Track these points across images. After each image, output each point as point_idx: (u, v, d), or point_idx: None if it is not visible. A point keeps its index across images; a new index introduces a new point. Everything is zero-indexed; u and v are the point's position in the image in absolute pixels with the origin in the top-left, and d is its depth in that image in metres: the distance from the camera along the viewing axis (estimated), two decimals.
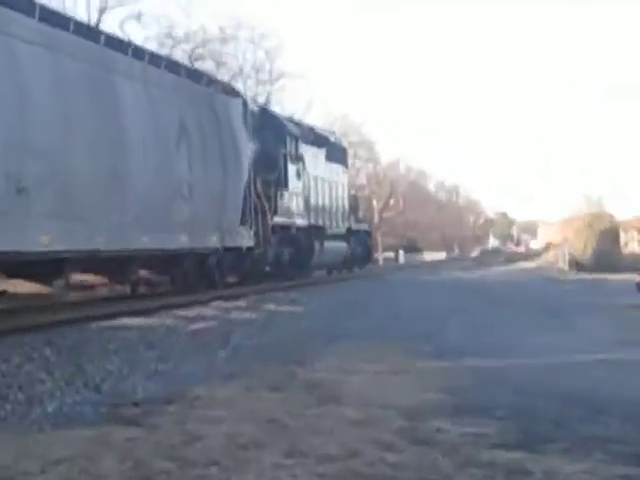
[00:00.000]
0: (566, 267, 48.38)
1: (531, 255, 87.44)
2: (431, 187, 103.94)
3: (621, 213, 72.97)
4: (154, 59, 21.82)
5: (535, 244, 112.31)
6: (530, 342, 14.03)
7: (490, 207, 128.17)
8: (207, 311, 17.48)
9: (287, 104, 48.11)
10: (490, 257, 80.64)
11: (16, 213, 14.66)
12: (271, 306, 19.23)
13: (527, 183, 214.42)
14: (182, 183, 21.12)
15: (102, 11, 41.13)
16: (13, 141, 14.78)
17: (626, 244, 64.17)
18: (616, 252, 52.39)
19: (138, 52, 20.95)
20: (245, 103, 26.66)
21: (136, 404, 8.06)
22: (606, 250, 50.50)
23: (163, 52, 37.24)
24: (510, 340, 14.14)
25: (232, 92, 26.93)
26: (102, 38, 19.15)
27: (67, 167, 16.36)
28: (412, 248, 79.15)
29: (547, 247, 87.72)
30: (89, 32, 19.11)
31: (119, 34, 27.06)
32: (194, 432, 6.89)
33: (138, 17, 44.31)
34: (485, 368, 10.70)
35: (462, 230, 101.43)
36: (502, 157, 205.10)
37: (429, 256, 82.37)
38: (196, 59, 45.62)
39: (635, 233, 79.55)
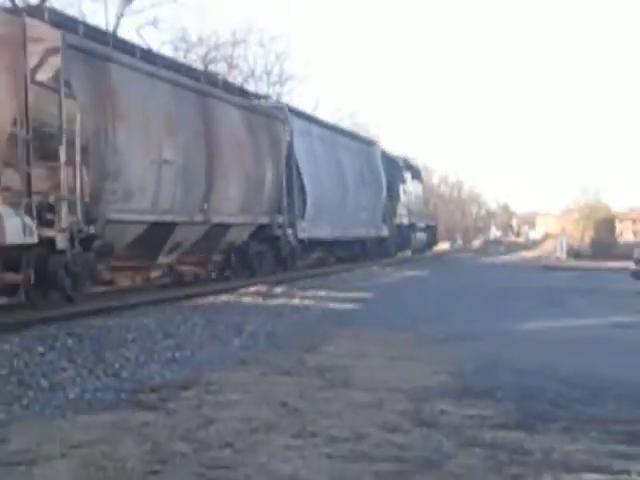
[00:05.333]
0: (564, 256, 48.19)
1: (530, 245, 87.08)
2: (435, 181, 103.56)
3: (617, 204, 72.72)
4: (345, 132, 38.79)
5: (534, 234, 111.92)
6: (533, 326, 13.97)
7: (492, 199, 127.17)
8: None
9: (296, 104, 47.78)
10: (492, 247, 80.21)
11: (317, 220, 28.87)
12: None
13: (527, 176, 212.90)
14: (362, 202, 35.62)
15: (119, 17, 41.14)
16: (319, 192, 29.30)
17: (621, 233, 64.01)
18: (612, 241, 52.26)
19: (343, 130, 38.84)
20: (380, 148, 41.47)
21: (153, 390, 8.03)
22: (602, 239, 50.43)
23: (178, 56, 37.27)
24: (515, 324, 14.07)
25: (372, 142, 42.27)
26: (330, 126, 35.75)
27: (329, 198, 30.64)
28: None
29: (546, 237, 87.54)
30: (326, 124, 35.34)
31: (136, 40, 28.02)
32: (208, 416, 6.86)
33: (154, 23, 44.95)
34: (488, 351, 10.64)
35: (465, 221, 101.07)
36: (504, 151, 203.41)
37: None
38: (209, 62, 45.43)
39: (630, 223, 79.55)
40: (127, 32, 47.79)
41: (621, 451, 5.85)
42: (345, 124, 52.24)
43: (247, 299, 17.68)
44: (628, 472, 5.34)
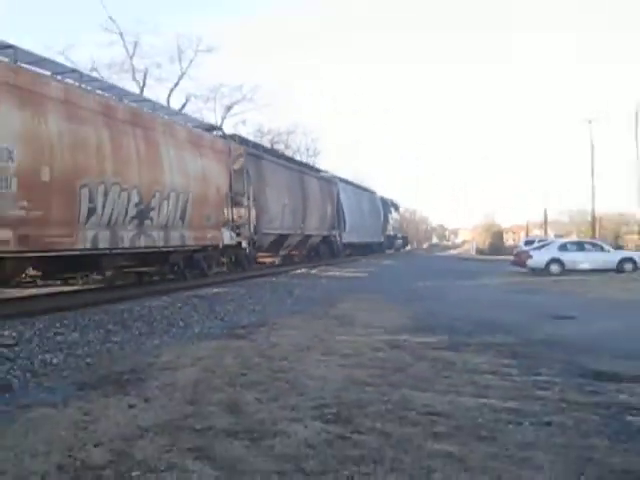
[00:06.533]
0: (474, 253, 47.98)
1: (455, 247, 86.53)
2: (401, 209, 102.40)
3: (505, 222, 72.29)
4: (363, 187, 39.17)
5: (457, 240, 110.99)
6: (456, 291, 13.83)
7: (433, 220, 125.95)
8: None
9: (323, 167, 47.63)
10: (433, 248, 79.88)
11: (351, 233, 30.33)
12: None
13: (453, 206, 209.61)
14: (371, 223, 36.51)
15: (223, 119, 41.46)
16: (352, 219, 30.66)
17: (507, 240, 63.51)
18: (501, 245, 51.77)
19: (362, 186, 38.83)
20: (378, 195, 42.13)
21: (243, 327, 8.02)
22: (495, 244, 50.06)
23: (256, 140, 37.19)
24: (447, 291, 13.93)
25: (374, 191, 42.19)
26: (356, 185, 37.03)
27: (356, 222, 31.55)
28: None
29: (464, 242, 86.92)
30: (357, 185, 37.28)
31: (232, 130, 28.92)
32: (274, 342, 6.84)
33: (244, 122, 46.57)
34: (432, 306, 10.55)
35: (418, 234, 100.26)
36: (439, 190, 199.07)
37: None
38: (274, 144, 45.40)
39: (512, 234, 79.23)
40: (227, 127, 47.92)
41: (507, 363, 5.78)
42: (350, 174, 51.99)
43: (299, 272, 18.69)
44: (510, 375, 5.30)
